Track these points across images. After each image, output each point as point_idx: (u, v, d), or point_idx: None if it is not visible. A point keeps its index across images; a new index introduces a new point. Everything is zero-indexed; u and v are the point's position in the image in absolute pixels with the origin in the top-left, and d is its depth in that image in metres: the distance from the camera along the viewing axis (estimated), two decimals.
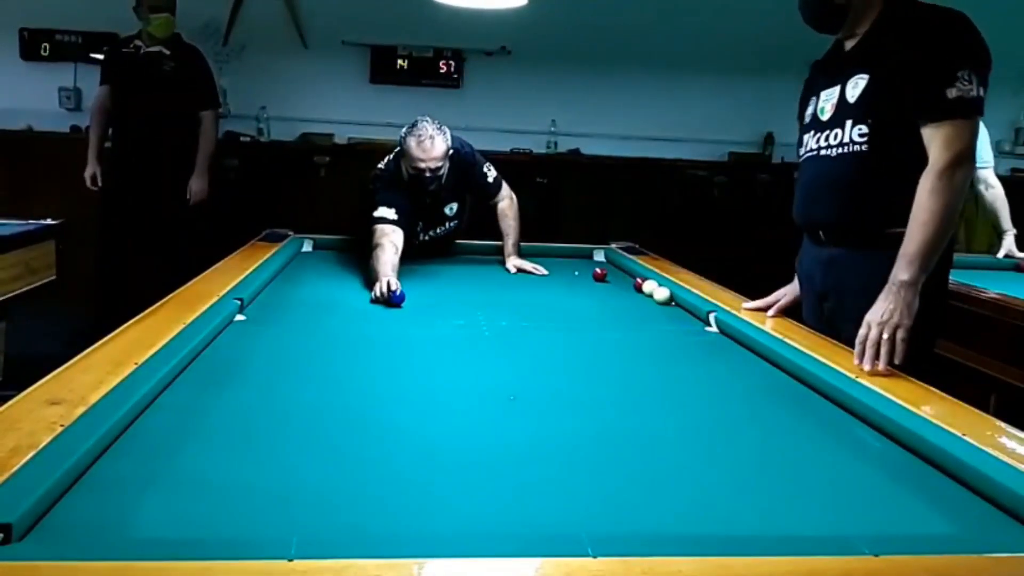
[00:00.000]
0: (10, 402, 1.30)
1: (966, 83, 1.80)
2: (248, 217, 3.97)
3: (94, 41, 4.94)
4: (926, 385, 1.65)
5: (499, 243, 3.29)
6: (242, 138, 5.21)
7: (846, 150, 2.00)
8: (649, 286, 2.73)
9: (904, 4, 1.96)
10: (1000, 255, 3.65)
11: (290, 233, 3.34)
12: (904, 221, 1.87)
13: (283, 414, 1.48)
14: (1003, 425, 1.41)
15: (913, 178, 1.86)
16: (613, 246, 3.47)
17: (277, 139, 5.31)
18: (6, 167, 4.88)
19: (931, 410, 1.48)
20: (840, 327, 2.05)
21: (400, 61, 5.35)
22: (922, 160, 1.85)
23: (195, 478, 1.19)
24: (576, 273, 3.13)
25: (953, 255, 2.05)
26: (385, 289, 2.42)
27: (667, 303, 2.61)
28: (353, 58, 5.33)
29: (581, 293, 2.81)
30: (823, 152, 2.06)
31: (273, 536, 0.98)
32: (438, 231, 3.25)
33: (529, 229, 3.43)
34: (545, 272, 3.11)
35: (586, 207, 5.40)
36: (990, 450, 1.27)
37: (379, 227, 2.87)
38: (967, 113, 1.82)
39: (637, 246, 3.49)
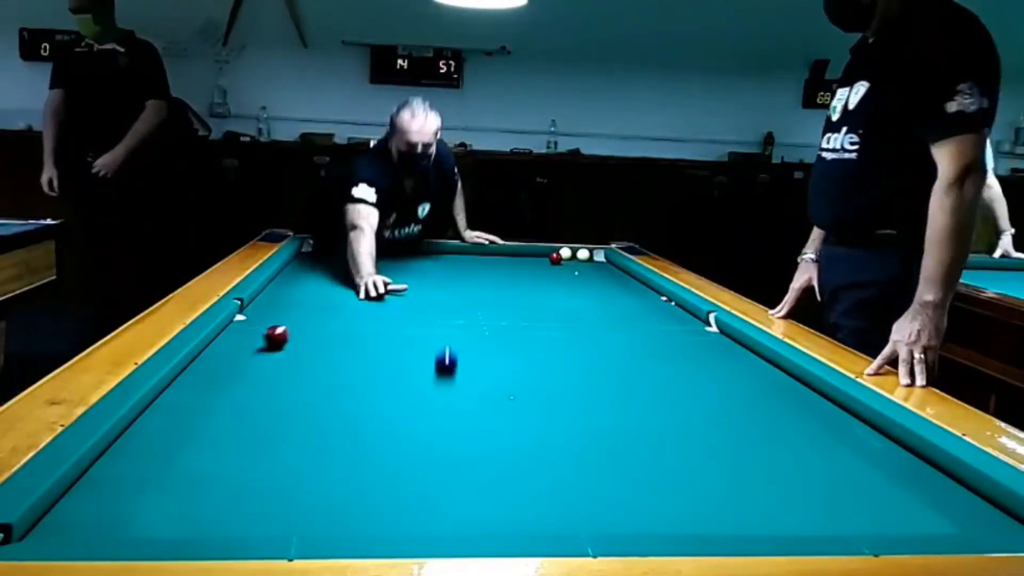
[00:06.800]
0: (10, 402, 1.30)
1: (966, 96, 1.74)
2: (248, 217, 3.96)
3: None
4: (926, 385, 1.65)
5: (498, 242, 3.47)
6: (242, 138, 5.22)
7: (838, 156, 2.00)
8: (566, 252, 3.28)
9: (921, 3, 1.88)
10: (997, 255, 3.66)
11: (290, 233, 3.33)
12: (893, 223, 1.89)
13: (283, 414, 1.48)
14: (1003, 425, 1.41)
15: (901, 180, 1.86)
16: (613, 246, 3.46)
17: (277, 139, 5.31)
18: (6, 167, 4.87)
19: (931, 410, 1.48)
20: (832, 323, 2.07)
21: (400, 61, 5.37)
22: (910, 161, 1.84)
23: (195, 478, 1.19)
24: (576, 273, 3.13)
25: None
26: (372, 291, 2.44)
27: (588, 260, 3.26)
28: (353, 58, 5.33)
29: (581, 293, 2.81)
30: (824, 153, 2.06)
31: (273, 536, 0.98)
32: (404, 231, 3.17)
33: (529, 229, 3.44)
34: (498, 240, 3.41)
35: (586, 207, 5.41)
36: (990, 450, 1.27)
37: (359, 207, 2.77)
38: (969, 127, 1.75)
39: (637, 246, 3.48)
